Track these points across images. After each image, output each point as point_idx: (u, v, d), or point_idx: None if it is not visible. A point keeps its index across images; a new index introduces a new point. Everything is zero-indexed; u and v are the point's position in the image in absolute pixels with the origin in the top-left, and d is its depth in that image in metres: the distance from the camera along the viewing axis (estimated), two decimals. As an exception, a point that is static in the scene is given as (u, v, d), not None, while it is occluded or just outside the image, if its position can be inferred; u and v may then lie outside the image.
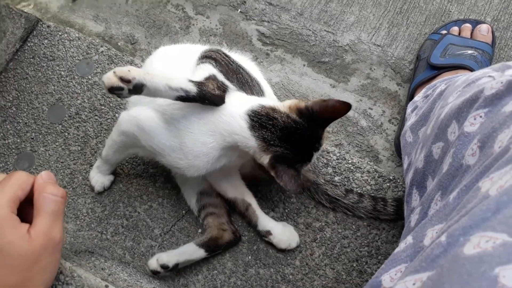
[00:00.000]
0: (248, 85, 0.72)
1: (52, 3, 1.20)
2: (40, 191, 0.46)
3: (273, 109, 0.64)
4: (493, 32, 0.98)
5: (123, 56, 0.94)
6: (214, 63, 0.66)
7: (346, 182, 0.80)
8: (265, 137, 0.63)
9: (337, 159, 0.80)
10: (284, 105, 0.65)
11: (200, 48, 0.76)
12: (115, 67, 0.94)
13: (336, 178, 0.80)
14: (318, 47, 1.09)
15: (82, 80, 0.91)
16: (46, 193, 0.45)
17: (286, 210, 0.79)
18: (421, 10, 1.09)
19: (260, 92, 0.74)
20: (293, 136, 0.62)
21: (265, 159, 0.63)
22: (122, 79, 0.55)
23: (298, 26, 1.12)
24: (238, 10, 1.15)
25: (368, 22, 1.10)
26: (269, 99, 0.73)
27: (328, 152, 0.81)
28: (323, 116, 0.63)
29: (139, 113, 0.68)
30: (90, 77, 0.91)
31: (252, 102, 0.66)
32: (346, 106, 0.62)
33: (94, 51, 0.94)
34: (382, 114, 1.02)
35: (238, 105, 0.65)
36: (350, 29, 1.10)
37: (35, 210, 0.45)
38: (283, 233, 0.76)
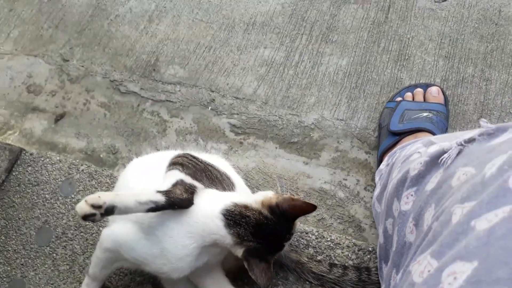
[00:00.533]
0: (218, 179, 0.77)
1: (36, 127, 1.29)
2: None
3: (246, 207, 0.69)
4: (443, 92, 1.06)
5: (103, 171, 1.00)
6: (180, 168, 0.72)
7: (328, 260, 0.81)
8: (239, 233, 0.67)
9: (316, 239, 0.83)
10: (256, 201, 0.70)
11: (170, 154, 0.81)
12: (95, 182, 0.99)
13: (319, 258, 0.82)
14: (286, 130, 1.16)
15: (66, 200, 0.96)
16: None
17: (275, 299, 0.80)
18: (374, 81, 1.18)
19: (230, 185, 0.79)
20: (264, 232, 0.67)
21: (239, 253, 0.67)
22: (93, 206, 0.60)
23: (265, 113, 1.20)
24: (208, 107, 1.24)
25: (328, 100, 1.18)
26: (240, 194, 0.77)
27: (307, 233, 0.84)
28: (291, 214, 0.69)
29: (119, 228, 0.72)
30: (73, 195, 0.96)
31: (225, 200, 0.70)
32: (312, 207, 0.69)
33: (75, 171, 1.00)
34: (357, 183, 1.06)
35: (212, 205, 0.70)
36: (313, 109, 1.18)
37: None
38: None
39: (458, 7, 1.24)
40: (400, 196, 0.53)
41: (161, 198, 0.65)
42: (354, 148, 1.11)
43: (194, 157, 0.78)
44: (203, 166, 0.76)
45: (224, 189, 0.75)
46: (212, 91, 1.25)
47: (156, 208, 0.64)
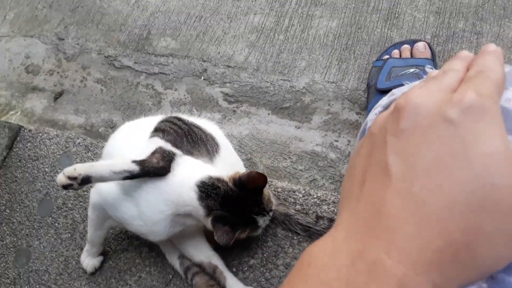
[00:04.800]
0: (202, 140, 0.80)
1: (37, 106, 1.33)
2: None
3: (218, 179, 0.72)
4: (430, 47, 1.05)
5: (98, 143, 1.03)
6: (161, 135, 0.74)
7: (315, 214, 0.84)
8: (209, 205, 0.71)
9: (303, 196, 0.85)
10: (228, 175, 0.73)
11: (159, 118, 0.84)
12: (91, 154, 1.03)
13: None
14: (278, 96, 1.17)
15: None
16: None
17: (265, 255, 0.83)
18: (364, 42, 1.17)
19: (214, 145, 0.81)
20: (230, 202, 0.71)
21: (208, 223, 0.70)
22: (70, 178, 0.65)
23: (257, 80, 1.20)
24: (201, 77, 1.25)
25: (318, 63, 1.18)
26: (217, 170, 0.78)
27: (294, 191, 0.86)
28: (250, 185, 0.71)
29: (104, 187, 0.76)
30: (71, 167, 1.00)
31: (202, 172, 0.73)
32: (263, 176, 0.71)
33: (72, 144, 1.03)
34: (348, 144, 1.07)
35: (189, 175, 0.72)
36: (304, 73, 1.18)
37: None
38: None
39: (450, -40, 1.21)
40: None
41: (135, 168, 0.68)
42: (345, 110, 1.11)
43: (180, 120, 0.80)
44: (187, 129, 0.78)
45: (207, 150, 0.78)
46: (204, 61, 1.26)
47: (131, 176, 0.68)
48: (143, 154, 0.71)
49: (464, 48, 1.10)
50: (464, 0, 1.15)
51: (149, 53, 1.32)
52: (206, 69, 1.25)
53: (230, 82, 1.22)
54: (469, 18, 1.13)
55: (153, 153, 0.71)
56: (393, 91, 0.52)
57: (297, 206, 0.84)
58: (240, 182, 0.71)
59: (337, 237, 0.27)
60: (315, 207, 0.84)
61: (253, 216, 0.73)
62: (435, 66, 1.03)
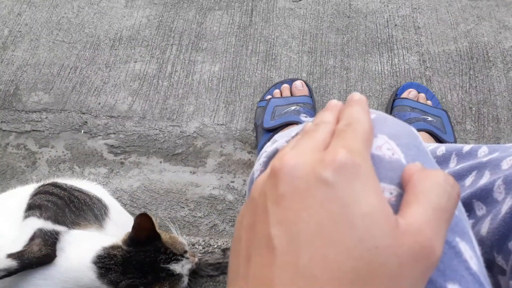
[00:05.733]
0: (87, 205, 0.72)
1: None
2: (419, 169, 0.27)
3: (112, 247, 0.65)
4: (307, 84, 1.12)
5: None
6: (38, 213, 0.65)
7: (220, 248, 0.81)
8: (112, 279, 0.63)
9: (203, 248, 0.81)
10: (121, 239, 0.67)
11: (31, 189, 0.74)
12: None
13: (211, 250, 0.81)
14: (168, 142, 1.14)
15: None
16: (435, 178, 0.26)
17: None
18: (247, 84, 1.21)
19: (102, 208, 0.74)
20: (131, 264, 0.64)
21: None
22: None
23: (144, 128, 1.16)
24: (81, 131, 1.16)
25: (206, 107, 1.18)
26: (109, 237, 0.71)
27: (194, 244, 0.82)
28: (140, 236, 0.66)
29: None
30: None
31: (94, 246, 0.65)
32: (144, 216, 0.65)
33: None
34: (243, 184, 1.08)
35: (81, 254, 0.64)
36: (193, 117, 1.17)
37: (407, 192, 0.27)
38: None
39: (314, 4, 1.33)
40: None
41: (12, 264, 0.58)
42: (237, 150, 1.12)
43: (57, 186, 0.71)
44: (67, 196, 0.70)
45: (95, 216, 0.70)
46: (83, 113, 1.17)
47: (10, 273, 0.58)
48: (19, 242, 0.61)
49: (336, 82, 1.19)
50: (331, 40, 1.26)
51: (18, 110, 1.19)
52: (86, 122, 1.16)
53: (114, 133, 1.15)
54: (337, 55, 1.24)
55: (32, 238, 0.61)
56: (275, 137, 0.53)
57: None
58: (132, 239, 0.65)
59: None
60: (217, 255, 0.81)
61: (163, 266, 0.66)
62: (313, 101, 1.10)
